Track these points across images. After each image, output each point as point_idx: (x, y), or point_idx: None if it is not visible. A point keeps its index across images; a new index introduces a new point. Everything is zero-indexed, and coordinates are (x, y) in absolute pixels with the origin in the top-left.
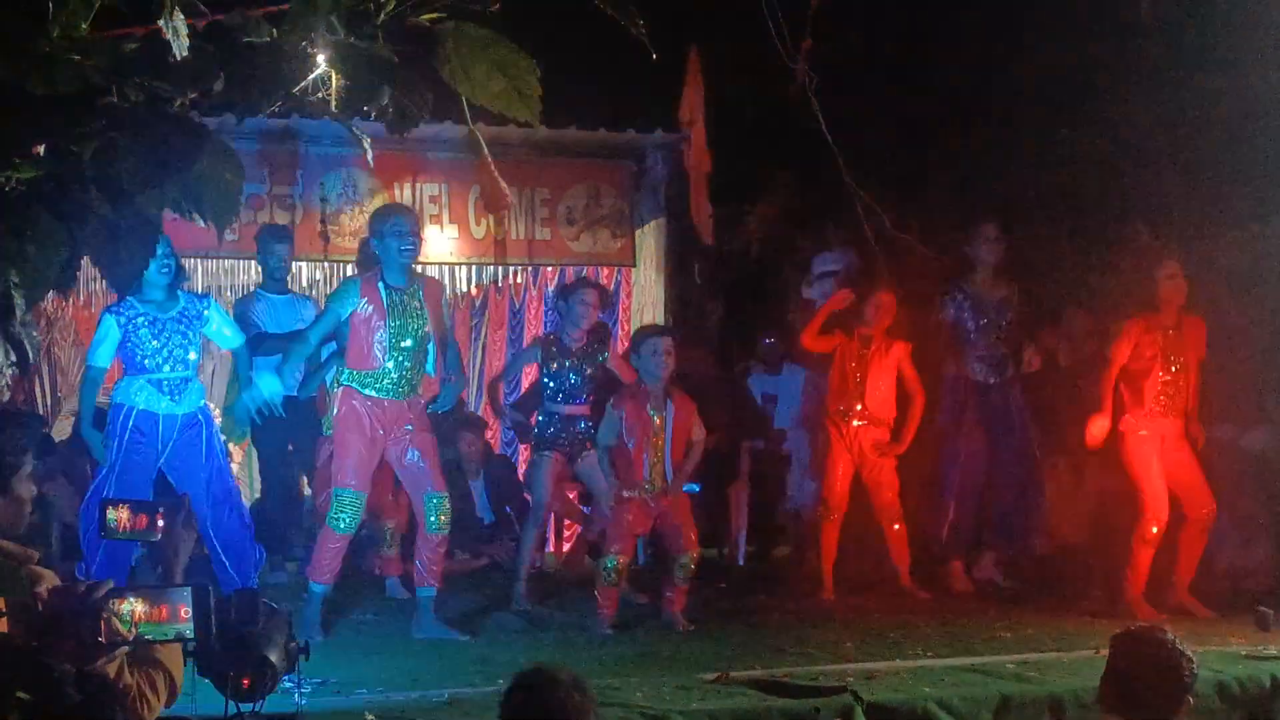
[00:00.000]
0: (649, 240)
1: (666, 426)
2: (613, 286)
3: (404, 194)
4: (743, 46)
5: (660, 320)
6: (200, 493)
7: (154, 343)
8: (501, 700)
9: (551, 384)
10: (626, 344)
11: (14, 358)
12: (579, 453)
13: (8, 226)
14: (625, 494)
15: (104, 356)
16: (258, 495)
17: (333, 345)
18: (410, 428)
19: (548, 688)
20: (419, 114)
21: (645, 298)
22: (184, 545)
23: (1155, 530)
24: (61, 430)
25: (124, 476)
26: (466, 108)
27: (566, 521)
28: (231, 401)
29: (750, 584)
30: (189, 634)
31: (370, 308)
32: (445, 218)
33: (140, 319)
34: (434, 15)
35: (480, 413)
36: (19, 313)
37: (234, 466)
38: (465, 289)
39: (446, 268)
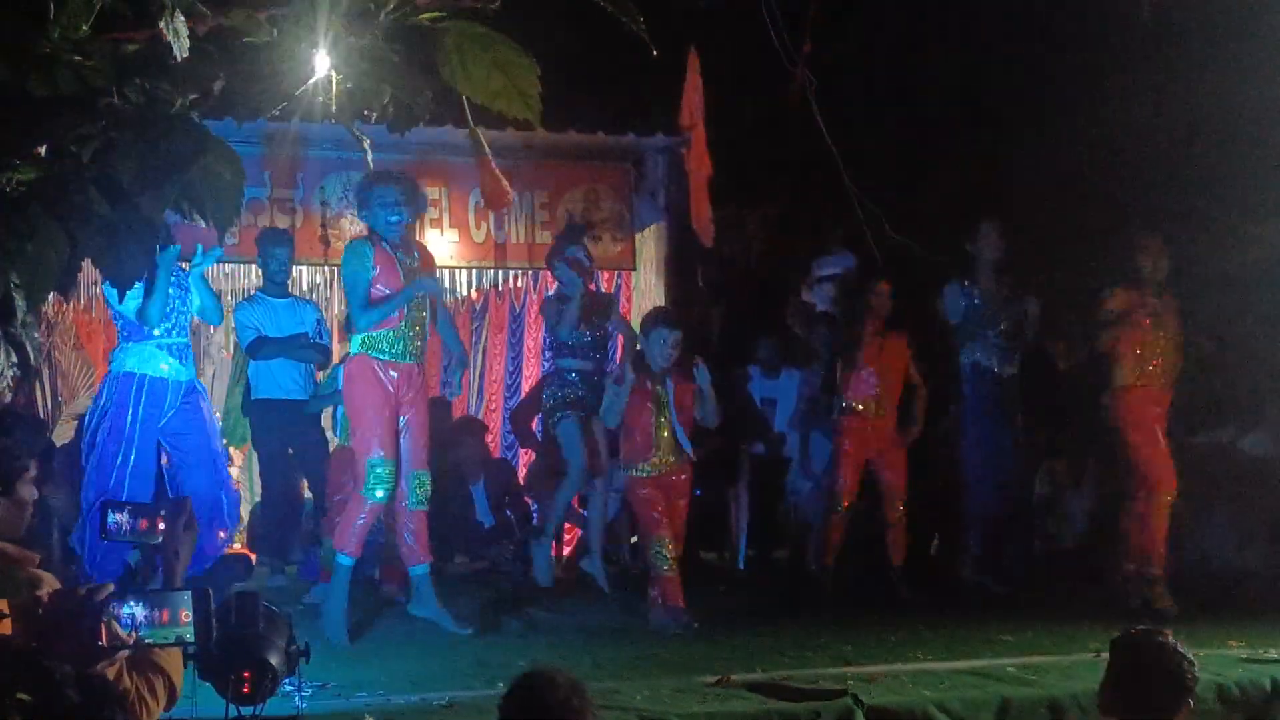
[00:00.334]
0: (649, 244)
1: (669, 403)
2: (613, 290)
3: None
4: (742, 49)
5: None
6: (189, 458)
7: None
8: (500, 703)
9: (570, 342)
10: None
11: (15, 360)
12: (595, 410)
13: (8, 228)
14: (637, 473)
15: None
16: (257, 499)
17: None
18: (413, 394)
19: (546, 690)
20: (420, 114)
21: (645, 301)
22: (185, 548)
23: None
24: (62, 434)
25: (140, 445)
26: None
27: (567, 525)
28: (231, 403)
29: (750, 587)
30: (189, 637)
31: (379, 268)
32: (445, 221)
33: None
34: (434, 15)
35: (481, 416)
36: (20, 315)
37: (234, 471)
38: (465, 293)
39: (447, 271)
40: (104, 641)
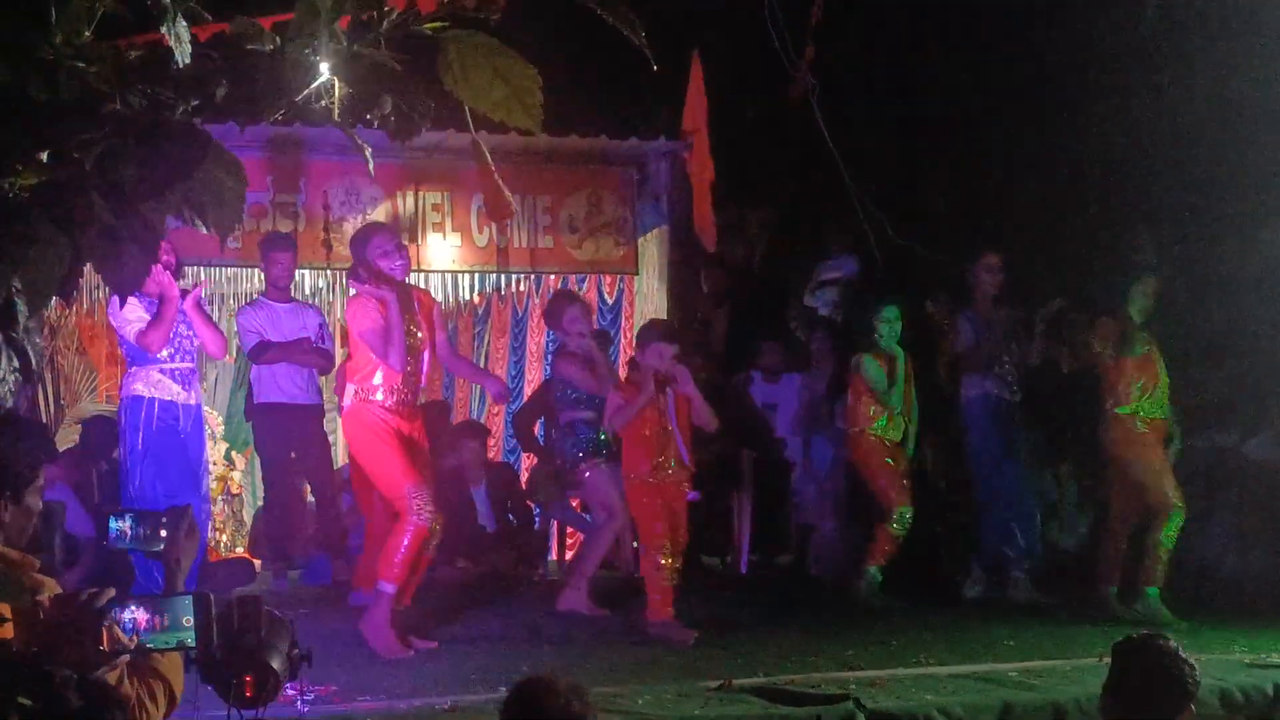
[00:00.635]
0: (651, 248)
1: (669, 411)
2: (615, 294)
3: (406, 202)
4: (745, 54)
5: None
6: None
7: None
8: (501, 708)
9: (574, 395)
10: (629, 351)
11: (17, 364)
12: (610, 452)
13: (10, 233)
14: (651, 480)
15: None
16: (260, 503)
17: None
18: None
19: (547, 695)
20: (421, 122)
21: (648, 305)
22: (187, 554)
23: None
24: (65, 439)
25: (163, 466)
26: (469, 115)
27: (569, 530)
28: (234, 408)
29: (753, 592)
30: (191, 642)
31: (383, 318)
32: (448, 226)
33: None
34: (436, 24)
35: (483, 420)
36: (22, 319)
37: (237, 474)
38: (468, 297)
39: (449, 276)
40: (105, 646)
